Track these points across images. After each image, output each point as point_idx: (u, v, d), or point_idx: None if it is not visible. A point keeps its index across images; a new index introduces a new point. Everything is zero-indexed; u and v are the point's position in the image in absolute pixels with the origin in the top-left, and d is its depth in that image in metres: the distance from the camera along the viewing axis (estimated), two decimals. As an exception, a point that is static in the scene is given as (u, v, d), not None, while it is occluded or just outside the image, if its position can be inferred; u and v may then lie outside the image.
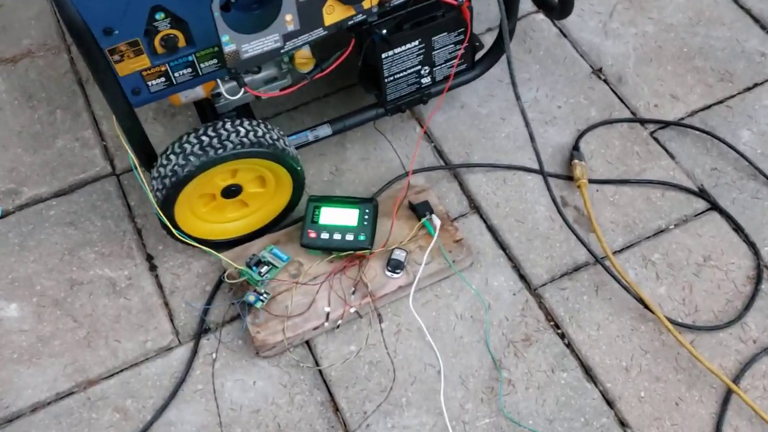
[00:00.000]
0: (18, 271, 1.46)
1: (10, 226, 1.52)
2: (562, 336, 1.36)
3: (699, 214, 1.49)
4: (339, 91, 1.70)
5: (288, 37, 1.16)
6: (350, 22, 1.20)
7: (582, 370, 1.32)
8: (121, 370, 1.35)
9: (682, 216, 1.49)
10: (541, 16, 1.80)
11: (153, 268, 1.47)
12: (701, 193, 1.51)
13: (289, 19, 1.14)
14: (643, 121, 1.62)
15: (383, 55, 1.39)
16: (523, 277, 1.43)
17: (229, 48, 1.12)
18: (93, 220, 1.53)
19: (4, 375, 1.35)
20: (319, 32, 1.18)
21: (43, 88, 1.72)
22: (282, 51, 1.17)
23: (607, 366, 1.32)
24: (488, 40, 1.75)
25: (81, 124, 1.66)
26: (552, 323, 1.37)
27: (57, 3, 1.04)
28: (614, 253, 1.44)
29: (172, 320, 1.40)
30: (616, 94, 1.67)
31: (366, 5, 1.19)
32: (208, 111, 1.50)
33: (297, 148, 1.49)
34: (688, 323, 1.36)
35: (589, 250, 1.40)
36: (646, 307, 1.35)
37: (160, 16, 1.11)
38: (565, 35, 1.77)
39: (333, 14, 1.17)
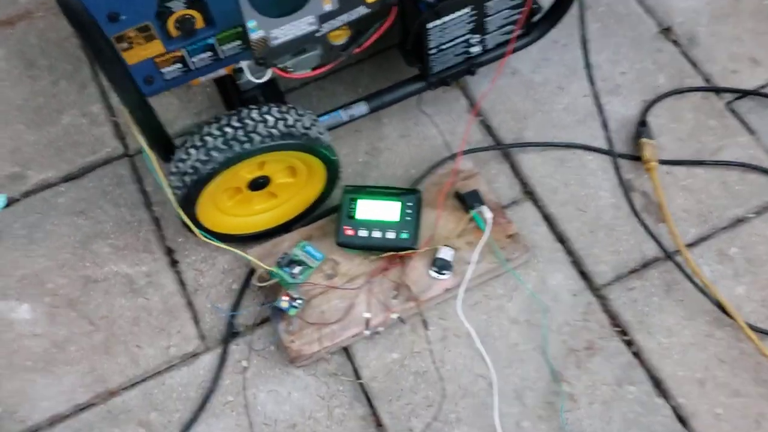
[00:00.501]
0: (27, 267, 1.33)
1: (16, 216, 1.38)
2: (630, 344, 1.22)
3: (783, 200, 1.33)
4: (375, 55, 1.52)
5: (325, 18, 0.98)
6: (396, -2, 1.02)
7: (652, 383, 1.19)
8: (144, 380, 1.24)
9: (763, 203, 1.32)
10: (600, -36, 1.59)
11: (174, 263, 1.34)
12: (785, 177, 1.34)
13: (326, -2, 0.96)
14: (718, 90, 1.43)
15: (429, 25, 1.21)
16: (584, 275, 1.28)
17: (256, 35, 0.95)
18: (105, 208, 1.39)
19: (17, 385, 1.24)
20: (360, 11, 1.00)
21: (44, 54, 1.55)
22: (317, 34, 1.00)
23: (679, 378, 1.19)
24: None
25: (88, 97, 1.50)
26: (618, 329, 1.24)
27: (50, -14, 0.86)
28: (687, 246, 1.29)
29: (196, 323, 1.28)
30: (687, 57, 1.48)
31: (415, -23, 1.01)
32: (229, 86, 1.33)
33: (329, 129, 1.33)
34: (770, 329, 1.22)
35: (660, 245, 1.25)
36: (723, 310, 1.21)
37: (173, -6, 0.93)
38: (628, -12, 1.56)
39: (377, -11, 0.99)
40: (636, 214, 1.24)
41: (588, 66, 1.06)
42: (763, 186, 1.34)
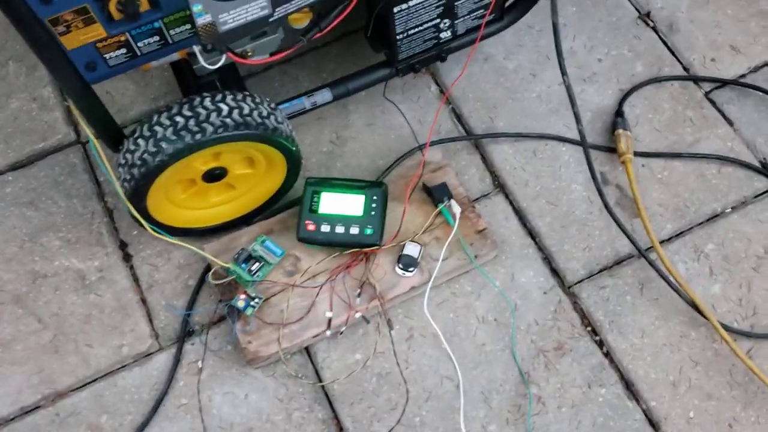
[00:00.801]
0: (-29, 261, 1.27)
1: (-40, 207, 1.31)
2: (601, 344, 1.18)
3: (760, 195, 1.28)
4: (341, 38, 1.45)
5: (279, 1, 0.91)
6: (357, -20, 0.95)
7: (623, 386, 1.15)
8: (94, 380, 1.18)
9: (741, 197, 1.28)
10: (578, -55, 1.53)
11: (127, 257, 1.27)
12: (764, 170, 1.30)
13: (278, -20, 0.89)
14: (697, 79, 1.38)
15: (395, 9, 1.14)
16: (555, 272, 1.24)
17: (202, 19, 0.88)
18: (56, 199, 1.31)
19: (-40, 386, 1.18)
20: (317, -7, 0.93)
21: (-8, 34, 1.47)
22: (271, 19, 0.93)
23: (651, 381, 1.15)
24: (517, -22, 1.49)
25: (38, 79, 1.42)
26: (589, 328, 1.19)
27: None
28: (662, 242, 1.25)
29: (150, 321, 1.22)
30: (666, 44, 1.42)
31: (376, -42, 0.94)
32: (185, 71, 1.26)
33: (291, 117, 1.27)
34: (744, 329, 1.18)
35: (634, 243, 1.20)
36: (698, 310, 1.17)
37: (112, -26, 0.86)
38: (607, -29, 1.50)
39: (335, -29, 0.92)
40: (608, 209, 1.19)
41: (560, 55, 1.00)
42: (741, 180, 1.30)
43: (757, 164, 1.31)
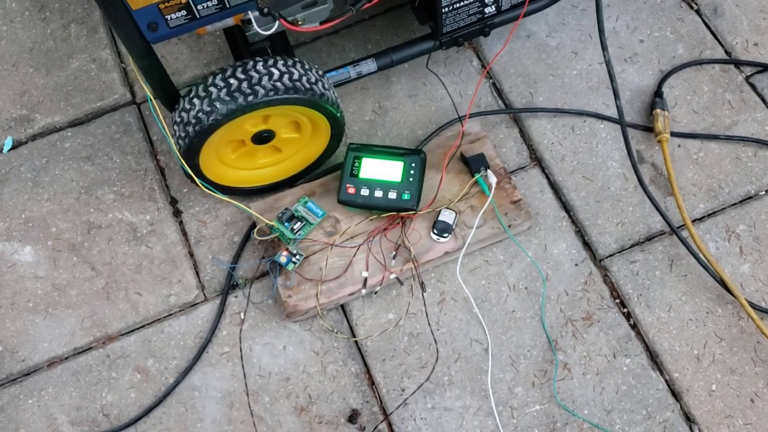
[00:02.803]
0: (32, 210, 1.34)
1: (23, 159, 1.39)
2: (628, 316, 1.21)
3: (796, 179, 1.30)
4: (387, 12, 1.49)
5: (332, -31, 0.96)
6: (407, -49, 0.99)
7: (647, 356, 1.18)
8: (143, 326, 1.25)
9: (776, 181, 1.30)
10: (626, -74, 1.54)
11: (177, 213, 1.34)
12: (801, 155, 1.31)
13: (333, -52, 0.93)
14: (738, 63, 1.39)
15: (442, -18, 1.18)
16: (587, 245, 1.27)
17: (260, -17, 0.93)
18: (111, 155, 1.39)
19: (19, 325, 1.26)
20: (370, -39, 0.97)
21: (55, -3, 1.54)
22: (325, -15, 0.97)
23: (676, 353, 1.18)
24: (563, -43, 1.52)
25: (98, 41, 1.49)
26: (618, 301, 1.23)
27: (52, -76, 0.85)
28: (694, 221, 1.27)
29: (197, 273, 1.29)
30: (708, 28, 1.43)
31: (428, -70, 0.97)
32: (238, 38, 1.32)
33: (337, 85, 1.31)
34: (772, 309, 1.20)
35: (666, 219, 1.22)
36: (726, 287, 1.19)
37: (177, -62, 0.91)
38: (653, -48, 1.51)
39: (387, -59, 0.96)
40: (643, 186, 1.22)
41: (602, 32, 1.03)
42: (777, 164, 1.31)
43: (795, 149, 1.32)
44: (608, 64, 1.06)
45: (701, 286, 1.22)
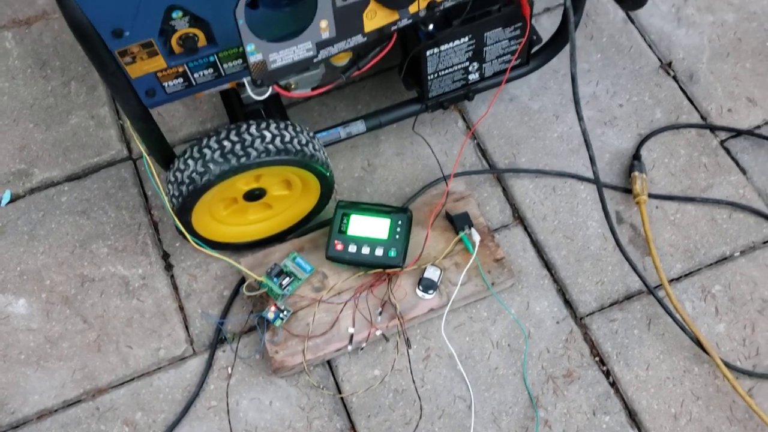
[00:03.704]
0: (27, 263, 1.37)
1: (20, 213, 1.42)
2: (608, 374, 1.24)
3: (769, 241, 1.35)
4: (376, 74, 1.55)
5: (322, 45, 1.01)
6: (393, 28, 1.05)
7: (626, 414, 1.21)
8: (132, 379, 1.28)
9: (750, 243, 1.34)
10: (606, -5, 1.61)
11: (169, 267, 1.37)
12: (774, 218, 1.36)
13: (324, 26, 0.99)
14: (713, 128, 1.45)
15: (427, 52, 1.23)
16: (568, 304, 1.31)
17: (254, 58, 0.98)
18: (107, 209, 1.42)
19: (10, 377, 1.28)
20: (357, 39, 1.03)
21: (57, 55, 1.59)
22: (315, 60, 1.03)
23: (654, 411, 1.21)
24: (546, 24, 1.59)
25: (96, 99, 1.54)
26: (597, 358, 1.26)
27: (60, 3, 0.90)
28: (671, 281, 1.31)
29: (186, 327, 1.32)
30: (685, 93, 1.50)
31: (412, 9, 1.03)
32: (233, 98, 1.37)
33: (327, 145, 1.36)
34: (747, 368, 1.23)
35: (643, 280, 1.26)
36: (701, 347, 1.23)
37: (177, 14, 0.96)
38: (632, 21, 1.58)
39: (374, 19, 1.02)
40: (620, 247, 1.26)
41: (577, 102, 1.08)
42: (751, 226, 1.36)
43: (767, 212, 1.37)
44: (584, 132, 1.11)
45: (678, 345, 1.26)
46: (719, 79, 1.50)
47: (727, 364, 1.22)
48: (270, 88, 1.17)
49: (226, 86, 1.19)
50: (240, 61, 1.07)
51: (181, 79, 1.07)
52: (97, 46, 0.95)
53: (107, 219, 1.42)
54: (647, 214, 1.35)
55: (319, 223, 1.37)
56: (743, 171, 1.41)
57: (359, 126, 1.37)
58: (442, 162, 1.44)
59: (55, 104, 1.54)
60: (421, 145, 1.47)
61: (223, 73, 1.09)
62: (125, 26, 0.94)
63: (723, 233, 1.35)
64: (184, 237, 1.24)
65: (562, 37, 1.36)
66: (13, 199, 1.44)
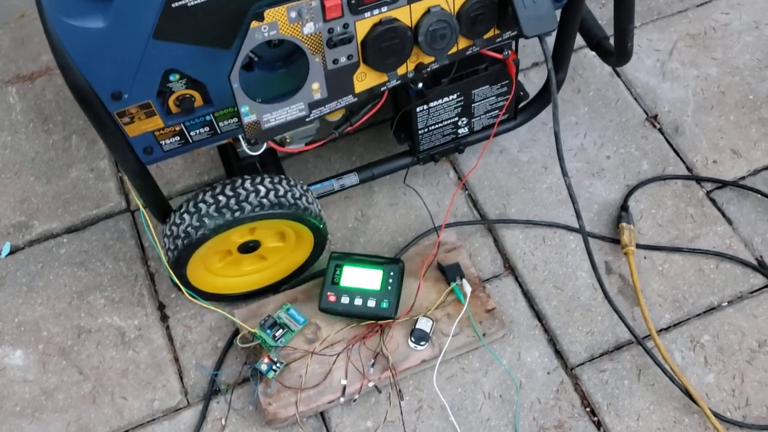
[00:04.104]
0: (25, 314, 1.39)
1: (19, 264, 1.45)
2: (599, 425, 1.25)
3: (756, 291, 1.36)
4: (370, 127, 1.59)
5: (314, 105, 1.05)
6: (383, 88, 1.09)
7: (617, 466, 1.22)
8: (127, 431, 1.28)
9: (737, 292, 1.36)
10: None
11: (164, 318, 1.39)
12: (760, 267, 1.38)
13: (316, 88, 1.02)
14: (699, 180, 1.48)
15: (418, 108, 1.27)
16: (559, 354, 1.32)
17: (248, 119, 1.02)
18: (104, 261, 1.45)
19: (5, 429, 1.28)
20: (348, 99, 1.07)
21: (59, 109, 1.64)
22: (307, 120, 1.06)
23: (645, 463, 1.22)
24: (534, 79, 1.63)
25: (97, 152, 1.58)
26: (588, 409, 1.27)
27: (61, 67, 0.94)
28: (660, 331, 1.32)
29: (181, 378, 1.33)
30: (671, 145, 1.53)
31: (401, 71, 1.07)
32: (229, 152, 1.41)
33: (321, 196, 1.39)
34: (737, 419, 1.24)
35: (631, 331, 1.28)
36: (691, 398, 1.24)
37: (174, 77, 1.00)
38: (618, 75, 1.63)
39: (364, 81, 1.06)
40: (608, 299, 1.27)
41: (561, 159, 1.12)
42: (738, 276, 1.38)
43: (754, 262, 1.39)
44: (569, 188, 1.14)
45: (668, 395, 1.27)
46: (704, 132, 1.54)
47: (716, 415, 1.22)
48: (265, 144, 1.21)
49: (223, 141, 1.23)
50: (235, 119, 1.11)
51: (177, 138, 1.10)
52: (97, 108, 0.98)
53: (105, 270, 1.44)
54: (635, 265, 1.37)
55: (313, 274, 1.39)
56: (729, 221, 1.44)
57: (352, 178, 1.40)
58: (434, 212, 1.47)
59: (56, 157, 1.57)
60: (413, 196, 1.50)
61: (218, 131, 1.12)
62: (124, 89, 0.98)
63: (711, 283, 1.37)
64: (180, 290, 1.26)
65: (547, 94, 1.40)
66: (13, 251, 1.47)
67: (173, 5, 0.89)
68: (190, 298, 1.26)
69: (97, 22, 0.89)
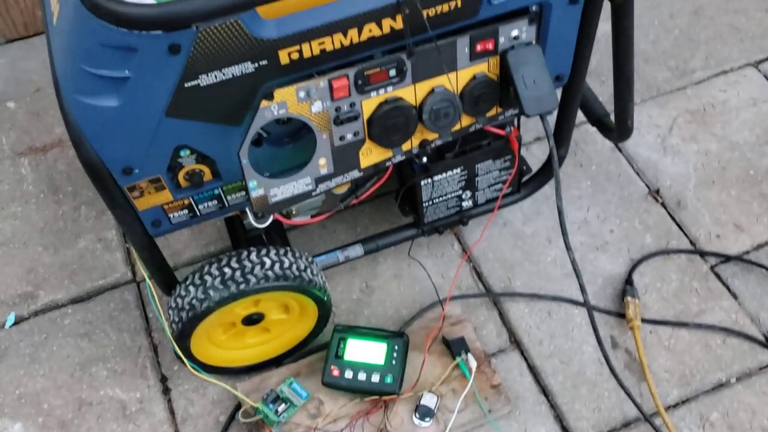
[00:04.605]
0: (26, 386, 1.38)
1: (23, 335, 1.45)
2: (607, 506, 1.22)
3: (765, 367, 1.34)
4: (375, 199, 1.61)
5: (320, 180, 1.07)
6: (388, 163, 1.11)
7: None
8: None
9: (746, 369, 1.34)
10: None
11: (166, 390, 1.38)
12: (767, 343, 1.37)
13: (322, 163, 1.05)
14: (703, 254, 1.49)
15: (423, 182, 1.29)
16: (566, 431, 1.29)
17: (256, 193, 1.04)
18: (108, 332, 1.44)
19: (0, 505, 1.26)
20: (354, 174, 1.09)
21: (70, 180, 1.67)
22: (313, 194, 1.08)
23: None
24: (537, 153, 1.66)
25: (105, 223, 1.60)
26: (596, 489, 1.24)
27: (74, 142, 0.97)
28: (668, 408, 1.30)
29: (181, 453, 1.31)
30: (674, 219, 1.54)
31: (405, 147, 1.10)
32: (236, 223, 1.42)
33: (326, 268, 1.40)
34: (750, 501, 1.21)
35: (639, 408, 1.26)
36: (703, 477, 1.21)
37: (185, 152, 1.03)
38: (620, 149, 1.65)
39: (370, 156, 1.08)
40: (615, 375, 1.26)
41: (565, 234, 1.13)
42: (746, 352, 1.36)
43: (761, 338, 1.38)
44: (573, 262, 1.15)
45: (679, 475, 1.24)
46: (706, 206, 1.56)
47: (729, 497, 1.19)
48: (271, 217, 1.22)
49: (230, 214, 1.24)
50: (243, 193, 1.13)
51: (186, 211, 1.12)
52: (107, 182, 1.01)
53: (108, 341, 1.43)
54: (641, 339, 1.36)
55: (317, 347, 1.38)
56: (735, 296, 1.43)
57: (357, 250, 1.41)
58: (438, 285, 1.47)
59: (64, 228, 1.59)
60: (418, 268, 1.50)
61: (226, 205, 1.14)
62: (135, 164, 1.00)
63: (718, 359, 1.36)
64: (182, 362, 1.25)
65: (549, 169, 1.42)
66: (18, 321, 1.47)
67: (186, 85, 0.92)
68: (193, 371, 1.25)
69: (111, 101, 0.92)
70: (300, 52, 0.94)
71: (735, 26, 1.85)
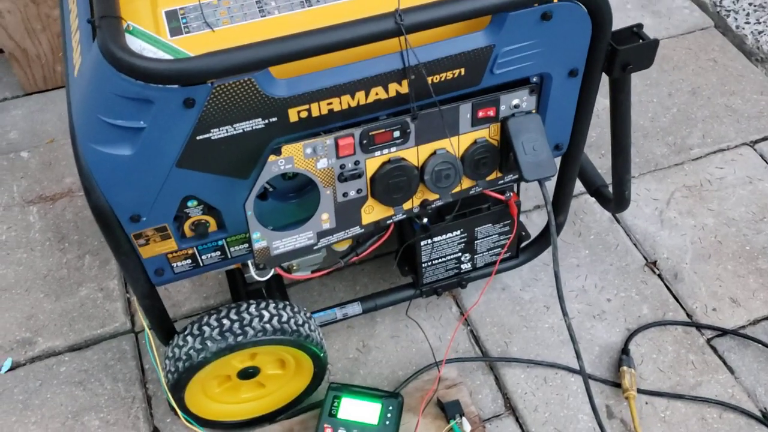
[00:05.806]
0: (16, 432, 1.38)
1: (18, 381, 1.44)
2: None
3: (761, 443, 1.34)
4: (375, 258, 1.63)
5: (322, 234, 1.09)
6: (389, 221, 1.14)
7: None
8: None
9: (743, 444, 1.34)
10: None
11: (157, 443, 1.37)
12: (765, 420, 1.36)
13: (325, 218, 1.08)
14: (699, 326, 1.50)
15: (422, 243, 1.32)
16: (558, 501, 1.28)
17: (259, 245, 1.06)
18: (103, 381, 1.44)
19: None
20: (355, 230, 1.12)
21: (76, 229, 1.69)
22: (315, 248, 1.11)
23: None
24: (537, 220, 1.69)
25: (107, 272, 1.61)
26: None
27: (86, 189, 0.99)
28: (663, 481, 1.29)
29: None
30: (671, 291, 1.56)
31: (407, 206, 1.13)
32: (237, 276, 1.44)
33: (323, 325, 1.41)
34: None
35: (635, 478, 1.25)
36: None
37: (192, 203, 1.06)
38: (618, 221, 1.68)
39: (372, 214, 1.11)
40: (611, 444, 1.26)
41: (561, 299, 1.14)
42: (743, 428, 1.35)
43: (758, 414, 1.37)
44: (569, 328, 1.16)
45: None
46: (703, 279, 1.57)
47: None
48: (272, 270, 1.24)
49: (232, 266, 1.26)
50: (246, 245, 1.15)
51: (189, 260, 1.14)
52: (115, 229, 1.03)
53: (102, 391, 1.43)
54: (637, 410, 1.35)
55: (311, 405, 1.38)
56: (731, 370, 1.43)
57: (355, 308, 1.42)
58: (435, 347, 1.48)
59: (67, 276, 1.61)
60: (416, 329, 1.51)
61: (229, 256, 1.16)
62: (143, 212, 1.03)
63: (714, 433, 1.35)
64: (176, 414, 1.25)
65: (548, 236, 1.44)
66: (14, 367, 1.47)
67: (198, 138, 0.96)
68: (186, 423, 1.25)
69: (125, 150, 0.95)
70: (309, 111, 0.98)
71: (731, 107, 1.91)
